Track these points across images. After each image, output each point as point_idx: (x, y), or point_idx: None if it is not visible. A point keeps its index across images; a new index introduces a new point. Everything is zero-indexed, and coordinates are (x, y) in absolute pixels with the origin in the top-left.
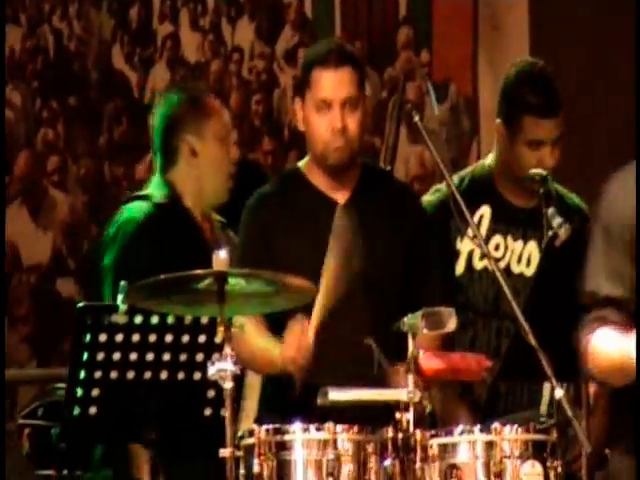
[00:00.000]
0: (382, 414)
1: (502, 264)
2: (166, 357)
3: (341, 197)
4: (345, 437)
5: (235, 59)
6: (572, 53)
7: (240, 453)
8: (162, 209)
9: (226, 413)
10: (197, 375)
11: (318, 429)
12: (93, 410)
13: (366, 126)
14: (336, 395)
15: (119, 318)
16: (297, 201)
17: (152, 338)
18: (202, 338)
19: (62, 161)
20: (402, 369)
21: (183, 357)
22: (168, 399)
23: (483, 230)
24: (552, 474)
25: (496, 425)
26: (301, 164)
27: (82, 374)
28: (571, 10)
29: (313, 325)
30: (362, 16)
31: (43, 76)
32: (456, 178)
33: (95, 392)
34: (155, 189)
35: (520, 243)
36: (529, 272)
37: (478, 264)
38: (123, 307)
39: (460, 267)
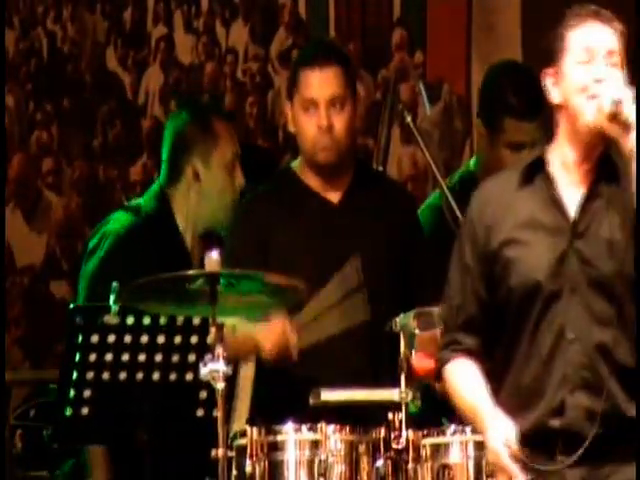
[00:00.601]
0: (374, 414)
1: None
2: (158, 358)
3: (334, 197)
4: (337, 437)
5: (229, 61)
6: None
7: (232, 453)
8: (148, 222)
9: (218, 414)
10: (189, 376)
11: (310, 429)
12: (85, 411)
13: (356, 126)
14: (328, 395)
15: (111, 319)
16: (290, 201)
17: (144, 339)
18: (194, 339)
19: (56, 163)
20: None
21: (175, 358)
22: (160, 400)
23: None
24: None
25: None
26: (294, 164)
27: (74, 375)
28: (564, 10)
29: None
30: (356, 17)
31: (37, 78)
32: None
33: (87, 393)
34: (148, 200)
35: None
36: None
37: None
38: (115, 308)
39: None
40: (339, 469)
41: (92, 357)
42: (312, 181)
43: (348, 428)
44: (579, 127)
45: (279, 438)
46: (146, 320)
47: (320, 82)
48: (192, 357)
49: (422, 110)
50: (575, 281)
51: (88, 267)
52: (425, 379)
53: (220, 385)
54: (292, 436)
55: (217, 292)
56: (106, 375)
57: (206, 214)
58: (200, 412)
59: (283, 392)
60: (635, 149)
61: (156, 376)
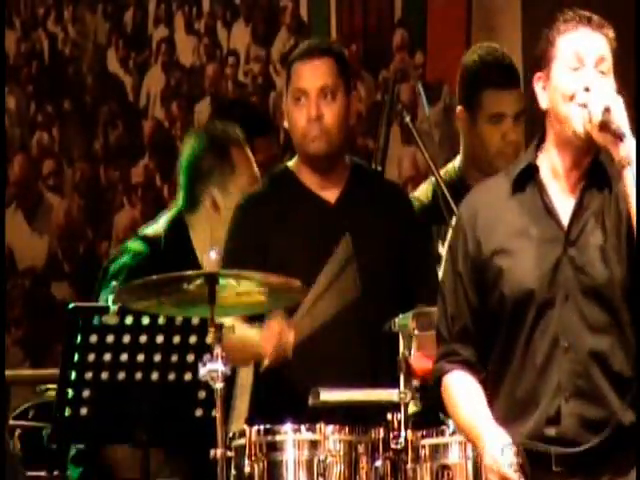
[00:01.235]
0: (373, 414)
1: None
2: (157, 358)
3: (331, 196)
4: (336, 438)
5: (231, 63)
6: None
7: (231, 454)
8: (164, 252)
9: (217, 414)
10: (188, 376)
11: (309, 430)
12: (84, 411)
13: (351, 121)
14: (327, 395)
15: (110, 319)
16: (287, 200)
17: (143, 339)
18: (193, 339)
19: (57, 165)
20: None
21: (174, 358)
22: (159, 400)
23: None
24: None
25: None
26: (290, 164)
27: (73, 375)
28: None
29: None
30: (357, 19)
31: (38, 80)
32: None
33: (86, 393)
34: (166, 228)
35: None
36: None
37: None
38: (114, 308)
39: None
40: (338, 469)
41: (91, 357)
42: (309, 180)
43: (347, 428)
44: (567, 134)
45: (278, 438)
46: (145, 320)
47: (310, 73)
48: (191, 357)
49: (422, 111)
50: (568, 289)
51: (104, 298)
52: (424, 379)
53: (219, 385)
54: (291, 436)
55: (216, 292)
56: (105, 375)
57: (219, 239)
58: (199, 412)
59: (282, 392)
60: (627, 157)
61: (155, 376)
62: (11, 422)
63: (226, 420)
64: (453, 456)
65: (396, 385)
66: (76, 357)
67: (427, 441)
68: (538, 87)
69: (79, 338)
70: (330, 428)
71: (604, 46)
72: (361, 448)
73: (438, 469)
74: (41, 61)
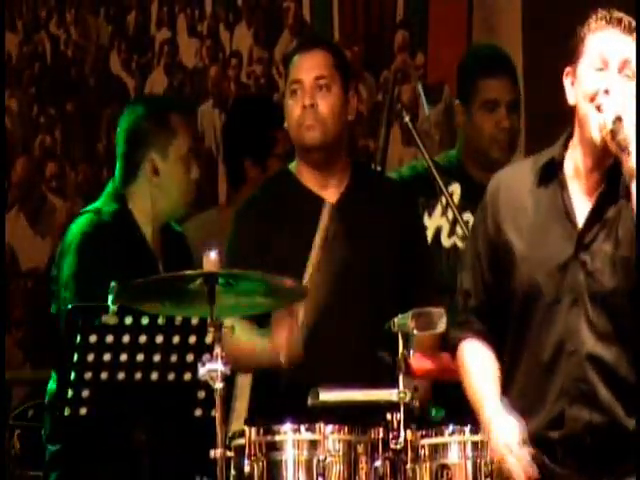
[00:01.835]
0: (373, 414)
1: None
2: (156, 358)
3: (331, 196)
4: (336, 437)
5: (233, 64)
6: (565, 56)
7: (231, 453)
8: (109, 223)
9: (217, 413)
10: (187, 376)
11: (308, 429)
12: (83, 411)
13: (348, 116)
14: (327, 395)
15: (109, 319)
16: (288, 201)
17: (142, 339)
18: (192, 339)
19: (60, 167)
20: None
21: (173, 358)
22: (158, 400)
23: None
24: None
25: None
26: (291, 166)
27: (72, 375)
28: (565, 12)
29: (301, 318)
30: (360, 20)
31: (40, 82)
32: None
33: (85, 393)
34: (105, 204)
35: None
36: None
37: (446, 241)
38: (113, 308)
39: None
40: (337, 469)
41: (90, 357)
42: (309, 181)
43: (346, 428)
44: (587, 135)
45: (277, 438)
46: (144, 320)
47: (305, 64)
48: (190, 357)
49: (422, 111)
50: (577, 292)
51: (68, 272)
52: (423, 379)
53: (218, 385)
54: (290, 436)
55: (215, 292)
56: (104, 375)
57: (166, 208)
58: (198, 412)
59: (281, 392)
60: (631, 171)
61: (154, 376)
62: (11, 422)
63: (226, 420)
64: (452, 456)
65: (395, 385)
66: (75, 357)
67: (426, 441)
68: (567, 82)
69: (78, 338)
70: (329, 428)
71: (631, 50)
72: (360, 448)
73: (437, 469)
74: (43, 63)
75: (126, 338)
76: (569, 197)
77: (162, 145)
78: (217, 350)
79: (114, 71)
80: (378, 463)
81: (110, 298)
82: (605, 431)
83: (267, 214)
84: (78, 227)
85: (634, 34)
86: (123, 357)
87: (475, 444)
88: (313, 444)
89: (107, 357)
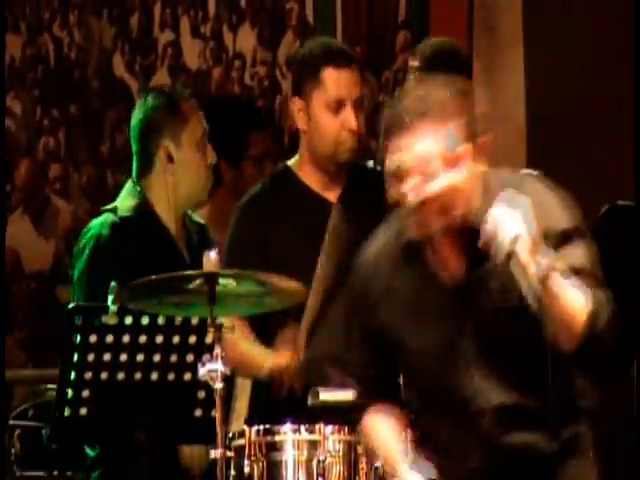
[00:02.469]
0: None
1: None
2: (156, 358)
3: (332, 195)
4: (336, 438)
5: (237, 66)
6: (566, 55)
7: (231, 454)
8: (126, 222)
9: (217, 414)
10: (187, 376)
11: (308, 430)
12: (83, 411)
13: None
14: (327, 395)
15: (109, 319)
16: (288, 200)
17: (142, 339)
18: (192, 339)
19: (64, 169)
20: None
21: (173, 358)
22: (158, 400)
23: None
24: None
25: None
26: (291, 163)
27: (72, 375)
28: (565, 11)
29: (304, 333)
30: (362, 21)
31: (44, 84)
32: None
33: (85, 393)
34: (124, 200)
35: None
36: None
37: None
38: (113, 308)
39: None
40: (338, 469)
41: (90, 357)
42: (310, 180)
43: (347, 429)
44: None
45: (277, 438)
46: (144, 320)
47: (348, 82)
48: (190, 357)
49: None
50: (471, 352)
51: (77, 274)
52: None
53: (218, 385)
54: (290, 436)
55: (216, 292)
56: (104, 375)
57: (184, 195)
58: (198, 412)
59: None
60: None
61: (154, 376)
62: (11, 422)
63: (226, 420)
64: None
65: None
66: (75, 357)
67: None
68: None
69: (78, 338)
70: (330, 428)
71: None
72: (361, 448)
73: None
74: (47, 65)
75: (126, 338)
76: (437, 267)
77: (175, 132)
78: (217, 350)
79: (117, 73)
80: (378, 464)
81: (110, 298)
82: (529, 459)
83: (267, 212)
84: (94, 228)
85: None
86: (123, 357)
87: None
88: (313, 444)
89: (107, 357)
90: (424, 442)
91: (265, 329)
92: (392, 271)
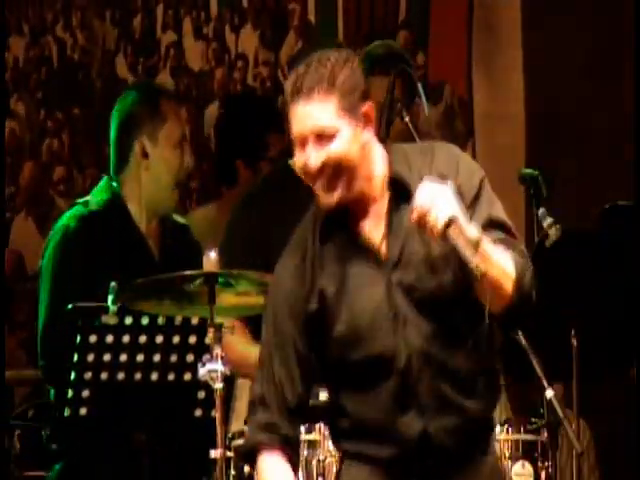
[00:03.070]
0: None
1: None
2: (156, 358)
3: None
4: None
5: (239, 66)
6: (565, 55)
7: (231, 454)
8: (95, 216)
9: (217, 414)
10: (187, 376)
11: (308, 430)
12: (83, 411)
13: None
14: (326, 395)
15: (109, 319)
16: (288, 198)
17: (142, 339)
18: (192, 339)
19: (67, 171)
20: None
21: (173, 358)
22: (158, 400)
23: None
24: (543, 474)
25: None
26: (292, 161)
27: (72, 375)
28: (564, 11)
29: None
30: (364, 21)
31: (47, 86)
32: None
33: (85, 393)
34: (97, 194)
35: None
36: None
37: None
38: (113, 308)
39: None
40: (337, 469)
41: (90, 357)
42: None
43: None
44: None
45: None
46: (144, 320)
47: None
48: (190, 357)
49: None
50: (405, 312)
51: (43, 264)
52: None
53: (218, 385)
54: None
55: (215, 292)
56: (104, 375)
57: (154, 192)
58: (198, 412)
59: None
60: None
61: (154, 376)
62: (11, 422)
63: (226, 420)
64: None
65: None
66: (75, 357)
67: None
68: None
69: (78, 338)
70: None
71: (321, 116)
72: None
73: None
74: (50, 67)
75: (126, 338)
76: (360, 234)
77: (152, 128)
78: (217, 350)
79: (120, 74)
80: None
81: (110, 298)
82: (464, 433)
83: (266, 210)
84: (62, 220)
85: (324, 87)
86: (123, 357)
87: None
88: (313, 444)
89: (107, 357)
90: (352, 430)
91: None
92: (312, 252)
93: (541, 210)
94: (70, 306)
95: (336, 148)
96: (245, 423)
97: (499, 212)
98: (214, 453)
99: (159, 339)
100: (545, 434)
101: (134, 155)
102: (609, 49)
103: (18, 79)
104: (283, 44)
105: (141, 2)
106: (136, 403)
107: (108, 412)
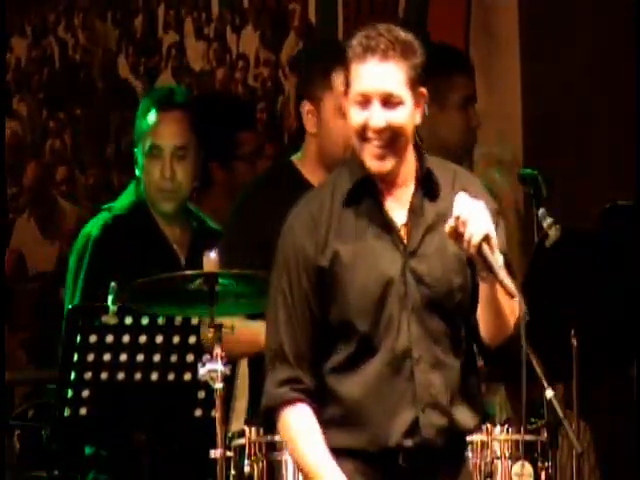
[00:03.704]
0: None
1: None
2: (156, 358)
3: None
4: None
5: (240, 67)
6: (563, 55)
7: (231, 454)
8: (119, 221)
9: (216, 414)
10: (187, 376)
11: None
12: (83, 411)
13: None
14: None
15: (109, 319)
16: (289, 196)
17: (142, 339)
18: (192, 339)
19: (70, 171)
20: None
21: (173, 358)
22: (158, 400)
23: None
24: (543, 474)
25: (487, 425)
26: (294, 159)
27: (72, 375)
28: (563, 11)
29: None
30: (364, 21)
31: (49, 87)
32: None
33: (85, 393)
34: (123, 197)
35: None
36: None
37: None
38: (113, 308)
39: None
40: None
41: (90, 357)
42: (313, 176)
43: None
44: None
45: (277, 438)
46: (144, 320)
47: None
48: (190, 357)
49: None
50: (413, 301)
51: (68, 270)
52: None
53: (218, 385)
54: None
55: (215, 292)
56: (104, 375)
57: (152, 202)
58: (198, 412)
59: None
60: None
61: (154, 376)
62: (11, 422)
63: (225, 420)
64: None
65: None
66: (75, 357)
67: None
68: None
69: (78, 338)
70: None
71: (391, 79)
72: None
73: None
74: (52, 68)
75: (126, 338)
76: (385, 209)
77: (142, 138)
78: (217, 350)
79: (122, 75)
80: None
81: (110, 298)
82: (450, 434)
83: (267, 207)
84: (86, 228)
85: (398, 53)
86: (123, 357)
87: (476, 444)
88: None
89: (107, 357)
90: (333, 401)
91: None
92: (335, 212)
93: (541, 210)
94: (70, 306)
95: (398, 117)
96: (245, 423)
97: (504, 244)
98: (214, 453)
99: (159, 339)
100: (545, 434)
101: (136, 164)
102: (608, 48)
103: (20, 80)
104: (284, 44)
105: (142, 2)
106: (136, 403)
107: (108, 412)
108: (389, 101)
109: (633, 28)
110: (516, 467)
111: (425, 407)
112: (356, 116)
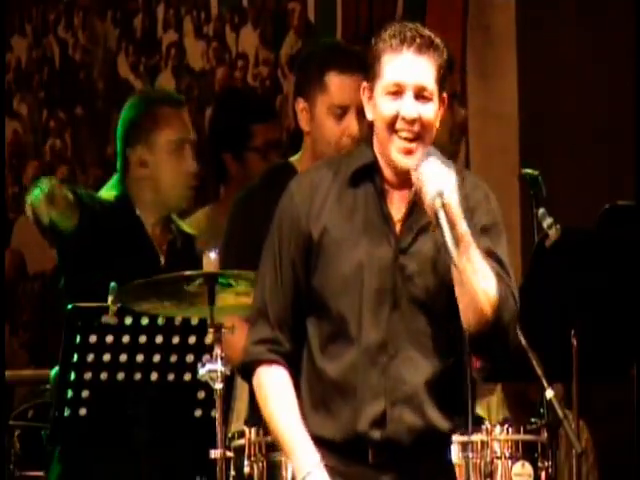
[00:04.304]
0: None
1: None
2: (156, 358)
3: None
4: None
5: (240, 66)
6: (560, 54)
7: (231, 454)
8: (105, 211)
9: (216, 414)
10: (187, 376)
11: None
12: (83, 411)
13: None
14: None
15: (109, 319)
16: None
17: (142, 339)
18: (192, 339)
19: (70, 171)
20: None
21: (173, 358)
22: (158, 400)
23: None
24: (542, 474)
25: (487, 425)
26: (293, 159)
27: (72, 375)
28: (560, 10)
29: None
30: (362, 21)
31: (49, 86)
32: None
33: (85, 393)
34: (108, 189)
35: None
36: None
37: None
38: (113, 308)
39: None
40: None
41: (90, 357)
42: None
43: None
44: (389, 158)
45: None
46: (144, 320)
47: (352, 88)
48: (190, 357)
49: None
50: (397, 296)
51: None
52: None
53: (218, 385)
54: None
55: (215, 292)
56: (104, 375)
57: (158, 200)
58: (198, 412)
59: None
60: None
61: (154, 376)
62: (11, 422)
63: (225, 420)
64: (453, 456)
65: None
66: (75, 357)
67: None
68: (364, 98)
69: (78, 338)
70: None
71: (426, 73)
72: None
73: None
74: (52, 67)
75: (126, 338)
76: (386, 203)
77: (147, 136)
78: (217, 351)
79: (122, 74)
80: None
81: (110, 298)
82: (422, 433)
83: (265, 209)
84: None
85: (431, 50)
86: (123, 357)
87: (476, 444)
88: None
89: (107, 357)
90: (308, 383)
91: None
92: (336, 189)
93: (541, 210)
94: (70, 306)
95: (428, 112)
96: (245, 423)
97: (503, 253)
98: (214, 453)
99: (159, 339)
100: (545, 434)
101: (132, 165)
102: (606, 48)
103: (20, 80)
104: (283, 44)
105: (142, 2)
106: (136, 403)
107: (108, 412)
108: (421, 95)
109: (633, 28)
110: (516, 467)
111: (395, 402)
112: (387, 105)
